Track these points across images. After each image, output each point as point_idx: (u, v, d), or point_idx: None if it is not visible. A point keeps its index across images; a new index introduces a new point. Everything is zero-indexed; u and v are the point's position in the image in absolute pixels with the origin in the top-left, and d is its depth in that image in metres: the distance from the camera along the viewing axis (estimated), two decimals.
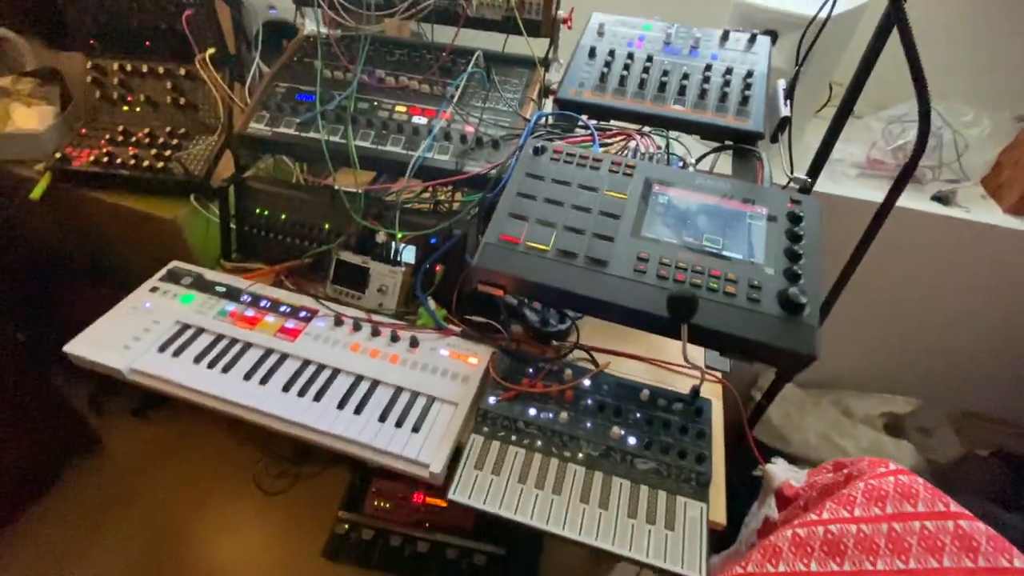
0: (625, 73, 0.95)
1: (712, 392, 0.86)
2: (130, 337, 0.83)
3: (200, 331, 0.86)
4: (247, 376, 0.80)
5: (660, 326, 0.68)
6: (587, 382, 0.81)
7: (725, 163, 0.95)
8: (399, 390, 0.80)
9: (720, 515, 0.72)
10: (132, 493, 1.52)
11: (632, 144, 0.90)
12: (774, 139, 0.82)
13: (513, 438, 0.76)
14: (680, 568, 0.64)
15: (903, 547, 0.61)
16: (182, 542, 1.44)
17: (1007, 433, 1.40)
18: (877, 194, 1.21)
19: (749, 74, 0.94)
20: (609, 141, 0.92)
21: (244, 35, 1.13)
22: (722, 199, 0.77)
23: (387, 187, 0.99)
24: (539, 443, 0.75)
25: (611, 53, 0.98)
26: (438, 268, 0.93)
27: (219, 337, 0.86)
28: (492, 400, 0.78)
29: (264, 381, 0.80)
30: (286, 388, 0.79)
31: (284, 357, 0.84)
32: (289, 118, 0.95)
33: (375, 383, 0.81)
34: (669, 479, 0.73)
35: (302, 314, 0.90)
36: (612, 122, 0.96)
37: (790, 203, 0.77)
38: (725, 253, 0.72)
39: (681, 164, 0.86)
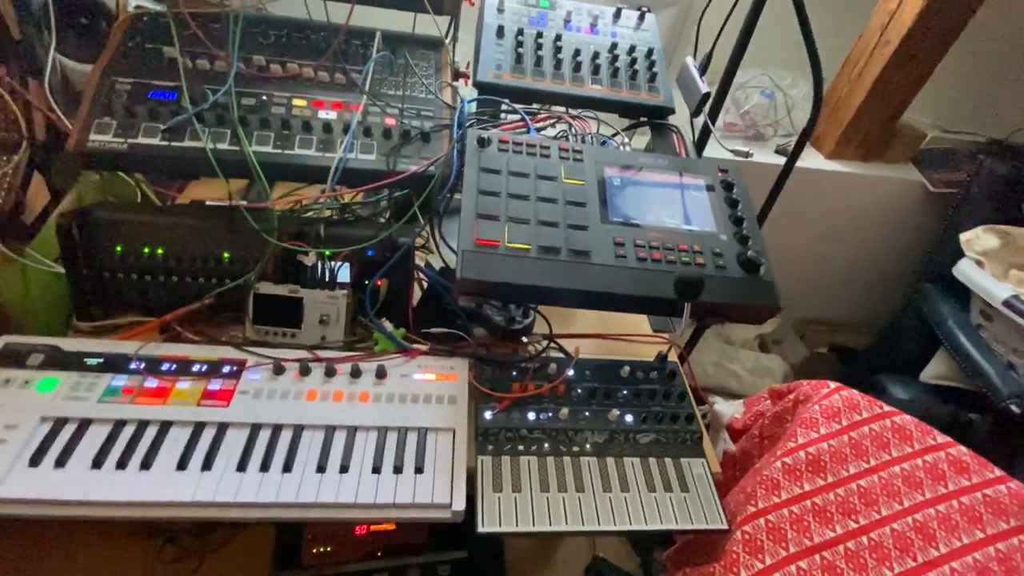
0: (540, 53, 0.93)
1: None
2: None
3: (86, 423, 0.64)
4: (181, 465, 0.63)
5: (651, 307, 0.71)
6: (571, 372, 0.81)
7: (637, 142, 1.00)
8: (383, 431, 0.70)
9: (716, 464, 0.79)
10: None
11: (565, 127, 0.89)
12: (696, 114, 0.88)
13: (521, 448, 0.72)
14: (707, 524, 0.69)
15: (863, 449, 0.74)
16: None
17: (836, 331, 1.79)
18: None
19: (650, 51, 0.98)
20: (540, 125, 0.89)
21: (29, 13, 0.83)
22: (664, 175, 0.81)
23: (302, 198, 0.84)
24: (547, 445, 0.73)
25: (520, 32, 0.94)
26: (381, 283, 0.83)
27: (118, 425, 0.65)
28: (489, 415, 0.73)
29: (208, 466, 0.63)
30: (241, 467, 0.64)
31: (223, 428, 0.67)
32: (149, 124, 0.74)
33: (352, 431, 0.70)
34: (669, 445, 0.77)
35: (226, 369, 0.72)
36: (534, 105, 0.93)
37: (720, 172, 0.84)
38: (684, 227, 0.76)
39: (615, 144, 0.88)
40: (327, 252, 0.79)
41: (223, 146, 0.75)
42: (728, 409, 1.02)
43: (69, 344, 0.71)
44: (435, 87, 0.88)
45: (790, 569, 0.64)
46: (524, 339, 0.88)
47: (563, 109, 0.93)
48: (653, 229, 0.74)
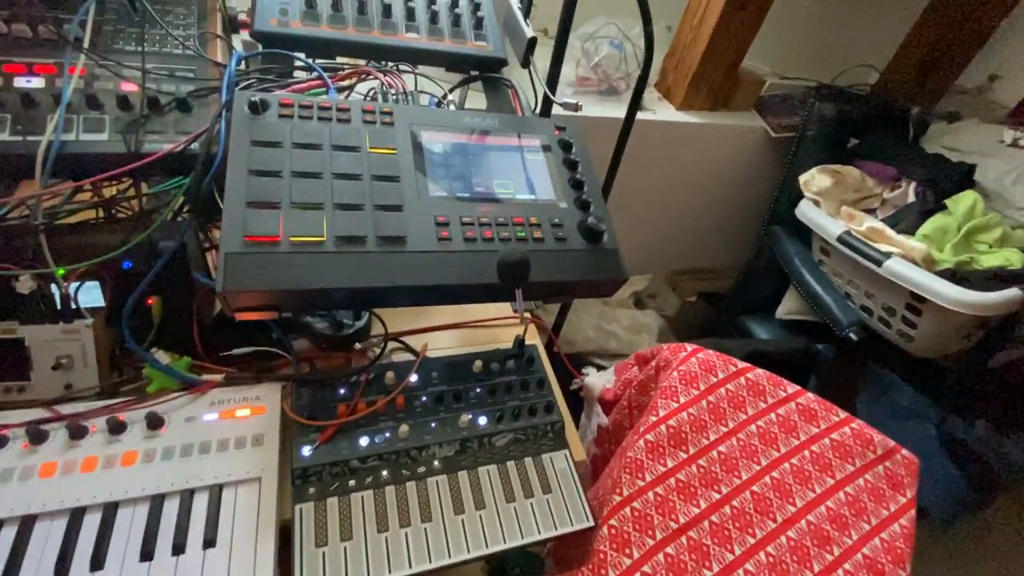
0: None
1: (528, 334, 0.85)
2: None
3: None
4: None
5: (489, 295, 0.60)
6: (414, 377, 0.69)
7: (475, 99, 0.88)
8: (158, 499, 0.54)
9: (580, 451, 0.73)
10: None
11: (374, 85, 0.74)
12: (525, 63, 0.77)
13: (352, 483, 0.60)
14: (572, 526, 0.62)
15: (720, 413, 0.71)
16: None
17: (703, 279, 1.86)
18: (599, 109, 1.34)
19: None
20: (343, 84, 0.73)
21: None
22: (495, 137, 0.70)
23: (8, 201, 0.61)
24: (385, 473, 0.61)
25: None
26: (151, 301, 0.64)
27: None
28: (307, 451, 0.59)
29: None
30: None
31: None
32: None
33: (111, 508, 0.52)
34: (528, 442, 0.69)
35: None
36: (338, 59, 0.77)
37: (556, 131, 0.75)
38: (519, 197, 0.66)
39: (436, 103, 0.75)
40: (60, 271, 0.58)
41: None
42: (599, 381, 0.97)
43: None
44: (194, 40, 0.68)
45: (657, 559, 0.59)
46: (359, 344, 0.75)
47: (370, 63, 0.77)
48: (483, 202, 0.63)
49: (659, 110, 1.45)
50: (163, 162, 0.60)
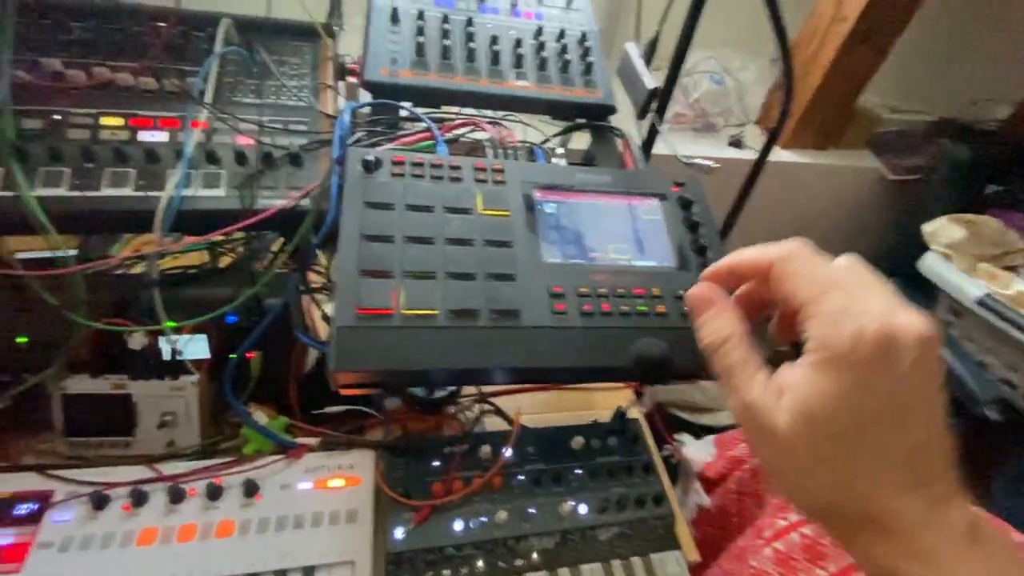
0: (447, 42, 0.73)
1: (622, 399, 0.78)
2: None
3: None
4: None
5: (607, 378, 0.54)
6: (508, 452, 0.64)
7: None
8: None
9: (692, 551, 0.64)
10: None
11: (479, 136, 0.71)
12: (642, 114, 0.72)
13: (446, 573, 0.55)
14: None
15: None
16: None
17: None
18: (695, 147, 1.26)
19: (583, 37, 0.81)
20: (451, 135, 0.70)
21: None
22: (609, 196, 0.65)
23: (129, 257, 0.62)
24: (480, 563, 0.56)
25: (420, 16, 0.74)
26: (250, 355, 0.62)
27: None
28: (400, 534, 0.55)
29: None
30: None
31: None
32: None
33: None
34: (636, 538, 0.61)
35: (20, 511, 0.51)
36: (444, 108, 0.74)
37: (675, 187, 0.68)
38: (637, 264, 0.60)
39: (544, 157, 0.70)
40: (169, 324, 0.58)
41: None
42: (699, 454, 0.88)
43: None
44: (308, 91, 0.67)
45: None
46: (452, 408, 0.70)
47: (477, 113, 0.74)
48: (599, 269, 0.58)
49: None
50: (272, 220, 0.58)
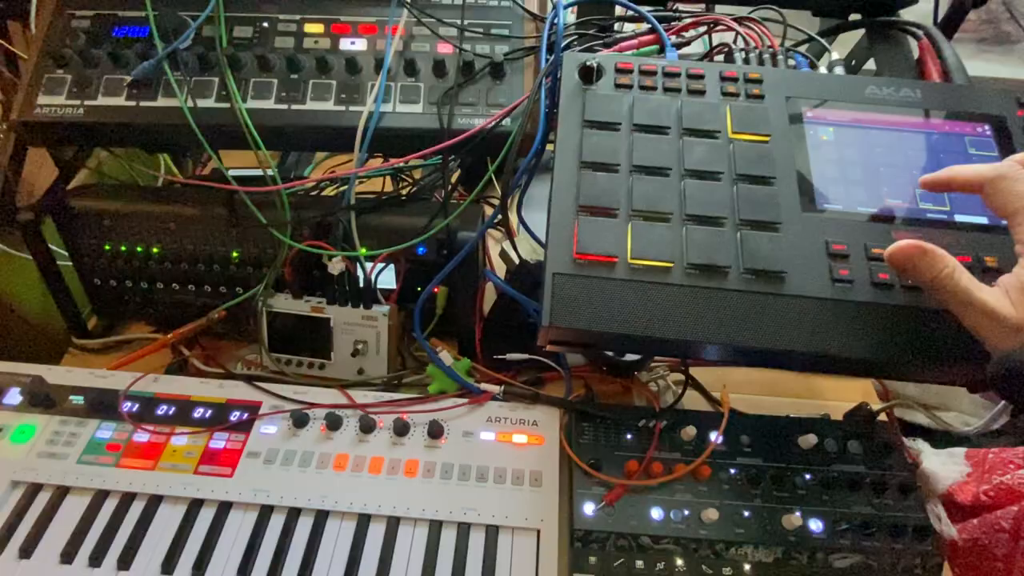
0: None
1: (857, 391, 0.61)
2: None
3: (62, 492, 0.49)
4: (167, 568, 0.46)
5: (900, 374, 0.40)
6: (718, 438, 0.52)
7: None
8: (437, 526, 0.48)
9: None
10: None
11: (721, 39, 0.54)
12: (977, 3, 0.49)
13: (640, 564, 0.47)
14: None
15: None
16: None
17: None
18: (980, 65, 0.93)
19: None
20: (681, 38, 0.55)
21: None
22: (914, 119, 0.46)
23: (327, 178, 0.60)
24: (680, 562, 0.47)
25: None
26: (436, 290, 0.58)
27: (99, 496, 0.49)
28: (591, 510, 0.48)
29: (200, 568, 0.46)
30: (243, 572, 0.45)
31: (224, 510, 0.49)
32: (112, 76, 0.52)
33: (393, 522, 0.48)
34: (882, 573, 0.48)
35: (234, 417, 0.54)
36: (677, 5, 0.59)
37: (1021, 110, 0.47)
38: (959, 218, 0.42)
39: (808, 63, 0.52)
40: (363, 251, 0.56)
41: (208, 103, 0.51)
42: (947, 472, 0.68)
43: (55, 375, 0.56)
44: None
45: None
46: (638, 372, 0.61)
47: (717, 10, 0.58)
48: (902, 224, 0.41)
49: None
50: (471, 141, 0.51)
